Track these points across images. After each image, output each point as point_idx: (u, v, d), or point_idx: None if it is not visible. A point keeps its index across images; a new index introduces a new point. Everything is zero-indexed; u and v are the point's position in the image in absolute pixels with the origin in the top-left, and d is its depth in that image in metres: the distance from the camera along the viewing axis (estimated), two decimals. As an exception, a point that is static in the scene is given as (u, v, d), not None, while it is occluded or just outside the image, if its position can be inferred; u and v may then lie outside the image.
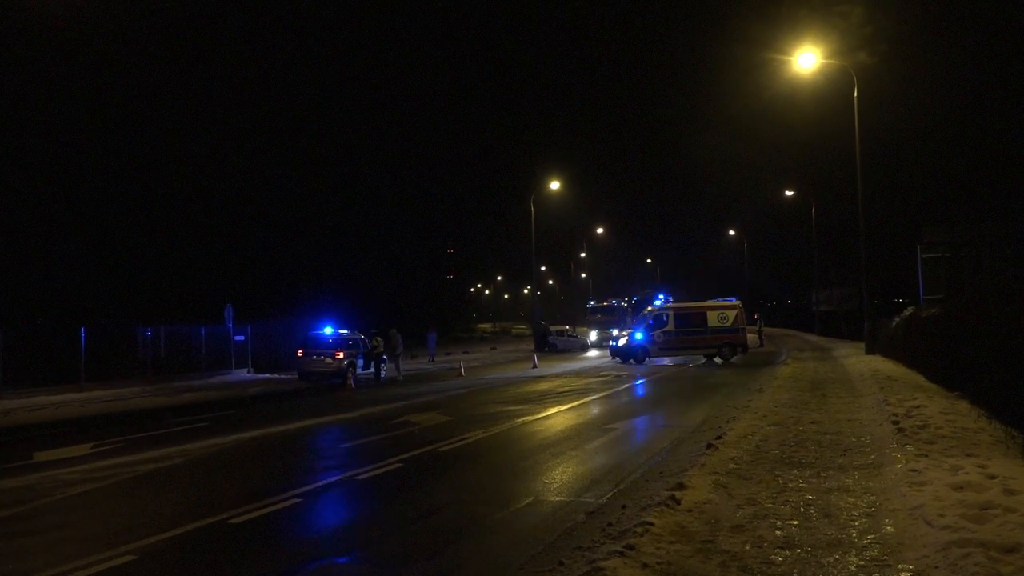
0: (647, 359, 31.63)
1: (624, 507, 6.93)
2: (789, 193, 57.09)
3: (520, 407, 16.29)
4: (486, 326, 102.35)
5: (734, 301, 33.75)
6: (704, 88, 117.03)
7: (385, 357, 26.44)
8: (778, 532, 5.95)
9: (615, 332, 37.44)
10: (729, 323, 32.41)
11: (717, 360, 31.48)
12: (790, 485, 7.46)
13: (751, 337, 36.96)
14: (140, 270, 48.83)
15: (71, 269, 44.97)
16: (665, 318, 32.25)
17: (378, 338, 25.92)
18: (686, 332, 31.94)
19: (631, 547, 5.45)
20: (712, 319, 32.16)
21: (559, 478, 9.20)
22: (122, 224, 49.09)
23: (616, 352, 32.86)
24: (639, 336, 32.16)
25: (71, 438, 13.15)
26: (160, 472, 9.99)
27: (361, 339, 25.86)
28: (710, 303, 33.68)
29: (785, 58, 26.67)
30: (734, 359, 31.68)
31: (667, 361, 31.91)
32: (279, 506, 7.87)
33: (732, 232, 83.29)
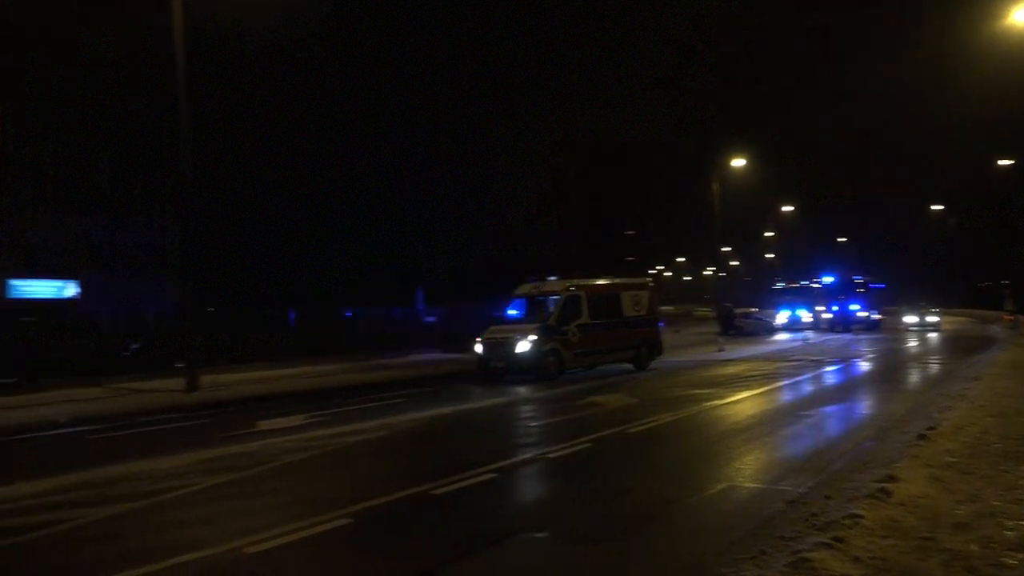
0: (560, 373, 19.27)
1: (828, 497, 6.61)
2: (1005, 162, 51.50)
3: (708, 391, 15.93)
4: (668, 308, 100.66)
5: (642, 279, 24.36)
6: (906, 63, 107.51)
7: None
8: (1008, 532, 5.44)
9: (496, 330, 20.16)
10: (644, 312, 22.26)
11: (629, 366, 21.57)
12: (1021, 483, 6.79)
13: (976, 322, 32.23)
14: (345, 258, 53.64)
15: (278, 257, 49.77)
16: (577, 305, 20.12)
17: None
18: (603, 326, 20.73)
19: (839, 539, 5.19)
20: (627, 306, 21.69)
21: (753, 464, 8.93)
22: (334, 217, 54.31)
23: (500, 365, 19.26)
24: (542, 336, 19.03)
25: (286, 409, 14.36)
26: (367, 443, 10.72)
27: None
28: (620, 281, 22.78)
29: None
30: (652, 365, 21.95)
31: (583, 372, 20.45)
32: (477, 480, 8.18)
33: (939, 207, 76.56)
